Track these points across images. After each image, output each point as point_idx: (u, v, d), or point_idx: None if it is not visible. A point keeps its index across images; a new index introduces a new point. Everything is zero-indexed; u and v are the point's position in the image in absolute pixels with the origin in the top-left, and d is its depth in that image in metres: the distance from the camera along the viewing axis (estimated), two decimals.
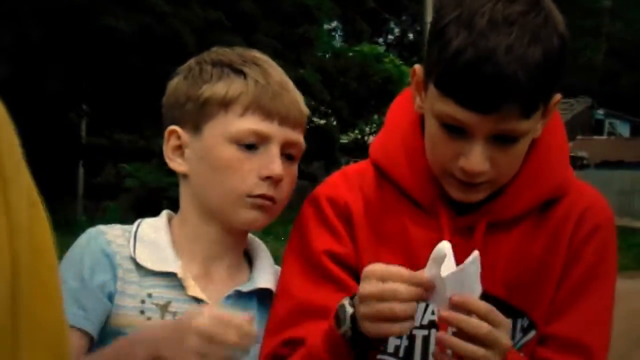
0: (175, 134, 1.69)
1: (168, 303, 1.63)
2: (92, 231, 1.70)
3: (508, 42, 1.42)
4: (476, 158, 1.50)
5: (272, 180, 1.65)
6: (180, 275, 1.64)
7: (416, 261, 1.58)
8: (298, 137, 1.71)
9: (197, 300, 1.63)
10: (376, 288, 1.38)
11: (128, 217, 16.66)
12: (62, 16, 15.48)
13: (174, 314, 1.62)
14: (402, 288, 1.37)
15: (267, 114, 1.66)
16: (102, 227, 1.70)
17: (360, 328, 1.43)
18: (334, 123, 23.46)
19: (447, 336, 1.38)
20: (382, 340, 1.52)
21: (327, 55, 24.59)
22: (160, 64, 16.24)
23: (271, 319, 1.66)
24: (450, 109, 1.48)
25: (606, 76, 44.05)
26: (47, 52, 15.92)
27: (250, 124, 1.65)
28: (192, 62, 1.74)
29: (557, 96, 1.55)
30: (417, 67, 1.64)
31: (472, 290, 1.38)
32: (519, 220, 1.64)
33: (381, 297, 1.38)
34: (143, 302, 1.62)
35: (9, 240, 0.71)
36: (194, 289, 1.64)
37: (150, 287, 1.64)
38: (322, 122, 23.17)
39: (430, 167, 1.62)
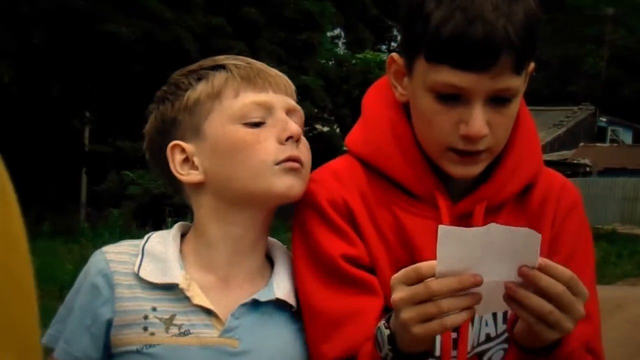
0: (177, 148, 1.66)
1: (173, 316, 1.59)
2: (95, 254, 1.67)
3: (492, 1, 1.48)
4: (477, 121, 1.53)
5: (293, 140, 1.63)
6: (181, 285, 1.60)
7: (417, 252, 1.59)
8: (296, 105, 1.70)
9: (205, 310, 1.60)
10: (408, 291, 1.36)
11: (131, 224, 16.67)
12: (64, 22, 15.49)
13: (180, 326, 1.59)
14: (433, 284, 1.35)
15: (260, 87, 1.65)
16: (106, 247, 1.68)
17: (402, 343, 1.43)
18: (337, 130, 23.42)
19: (516, 287, 1.35)
20: (428, 355, 1.49)
21: (330, 63, 24.58)
22: (162, 70, 16.25)
23: (308, 340, 1.64)
24: (445, 75, 1.51)
25: (609, 84, 44.01)
26: (50, 58, 15.93)
27: (249, 98, 1.63)
28: (161, 89, 1.73)
29: (532, 64, 1.59)
30: (395, 55, 1.66)
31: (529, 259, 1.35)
32: (504, 204, 1.67)
33: (416, 298, 1.35)
34: (146, 317, 1.59)
35: None
36: (200, 298, 1.60)
37: (154, 300, 1.60)
38: (325, 129, 23.14)
39: (423, 157, 1.64)
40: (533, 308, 1.35)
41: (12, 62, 14.88)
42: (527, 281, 1.35)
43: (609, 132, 43.27)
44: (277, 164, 1.62)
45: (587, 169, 32.68)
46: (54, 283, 10.14)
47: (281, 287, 1.65)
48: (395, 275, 1.40)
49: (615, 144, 40.85)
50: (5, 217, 0.70)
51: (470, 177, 1.62)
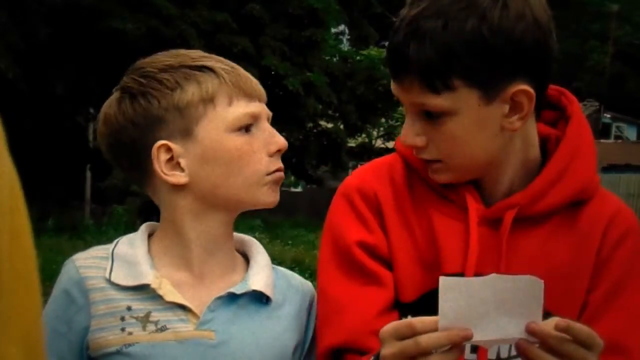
0: (163, 148, 1.64)
1: (148, 313, 1.61)
2: (65, 263, 1.68)
3: (412, 14, 1.49)
4: (405, 130, 1.57)
5: (279, 153, 1.69)
6: (153, 285, 1.61)
7: (440, 251, 1.59)
8: (269, 112, 1.75)
9: (179, 306, 1.62)
10: (398, 347, 1.35)
11: (135, 221, 16.66)
12: (69, 18, 15.52)
13: (156, 322, 1.60)
14: (423, 340, 1.33)
15: (250, 96, 1.68)
16: (75, 255, 1.69)
17: None
18: (341, 127, 23.45)
19: (528, 346, 1.33)
20: None
21: (334, 59, 24.58)
22: None
23: (317, 320, 1.68)
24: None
25: (613, 80, 43.98)
26: (55, 55, 15.95)
27: (242, 108, 1.66)
28: (132, 79, 1.73)
29: (518, 87, 1.51)
30: None
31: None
32: (545, 218, 1.63)
33: (405, 354, 1.34)
34: (123, 318, 1.60)
35: None
36: (173, 295, 1.62)
37: (129, 301, 1.62)
38: (330, 125, 23.15)
39: None
40: None
41: (18, 58, 14.90)
42: (535, 337, 1.32)
43: (614, 129, 43.29)
44: (269, 174, 1.67)
45: None
46: None
47: (257, 279, 1.68)
48: (385, 329, 1.39)
49: (619, 140, 40.85)
50: (10, 210, 0.70)
51: (440, 182, 1.63)
